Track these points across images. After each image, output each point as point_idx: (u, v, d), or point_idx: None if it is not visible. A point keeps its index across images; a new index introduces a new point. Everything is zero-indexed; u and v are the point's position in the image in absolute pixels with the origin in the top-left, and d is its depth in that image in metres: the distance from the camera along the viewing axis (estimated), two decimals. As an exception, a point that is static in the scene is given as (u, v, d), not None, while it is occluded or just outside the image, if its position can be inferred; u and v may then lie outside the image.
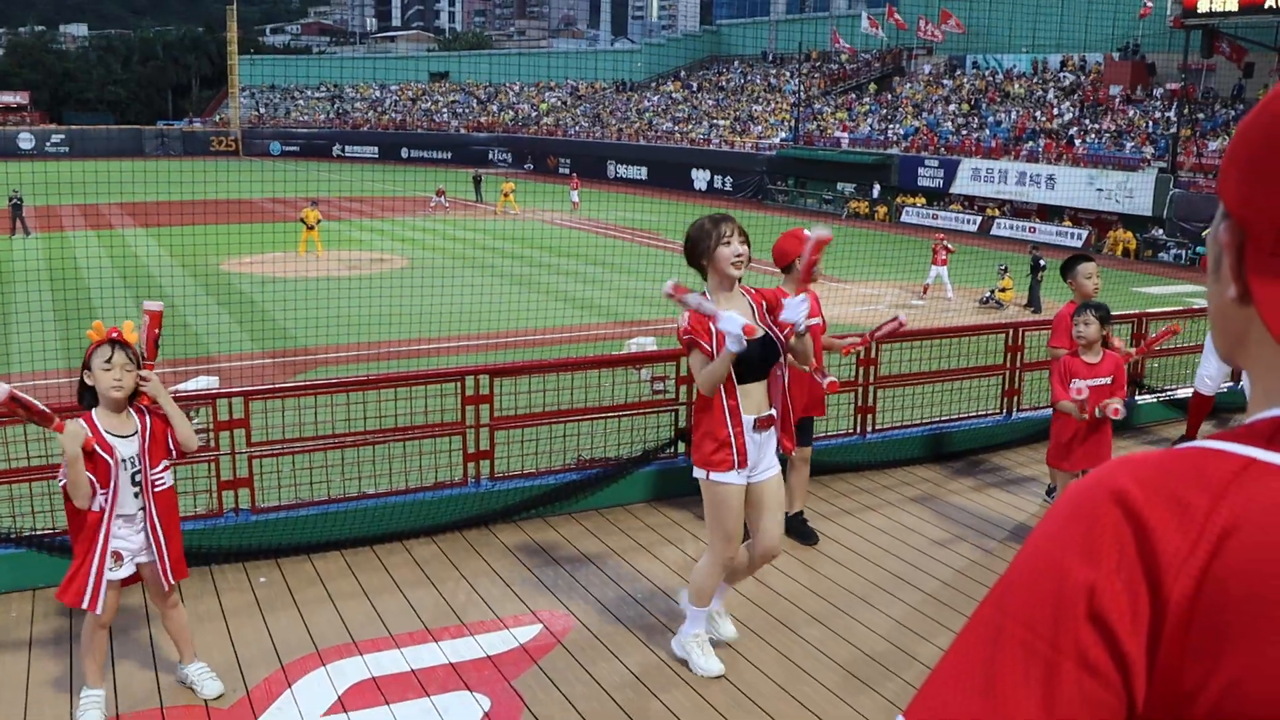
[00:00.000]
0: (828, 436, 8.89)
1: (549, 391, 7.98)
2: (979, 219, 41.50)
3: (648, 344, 13.19)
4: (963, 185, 43.48)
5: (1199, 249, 32.27)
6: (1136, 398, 10.34)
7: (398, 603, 6.27)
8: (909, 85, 57.74)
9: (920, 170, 45.76)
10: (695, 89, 73.43)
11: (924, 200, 45.01)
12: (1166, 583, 0.93)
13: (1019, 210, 41.10)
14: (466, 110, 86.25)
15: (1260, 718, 0.88)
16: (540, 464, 7.95)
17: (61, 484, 4.75)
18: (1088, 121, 43.95)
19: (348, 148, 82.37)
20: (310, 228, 29.59)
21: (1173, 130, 37.69)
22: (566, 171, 61.58)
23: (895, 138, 50.28)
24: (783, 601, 6.36)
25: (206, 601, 6.23)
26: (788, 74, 66.98)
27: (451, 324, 16.36)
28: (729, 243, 5.20)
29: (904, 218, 44.36)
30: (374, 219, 40.29)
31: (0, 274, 25.48)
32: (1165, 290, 27.11)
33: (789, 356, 5.45)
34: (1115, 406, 6.63)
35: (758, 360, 5.22)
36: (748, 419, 5.25)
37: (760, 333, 5.18)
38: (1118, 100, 44.72)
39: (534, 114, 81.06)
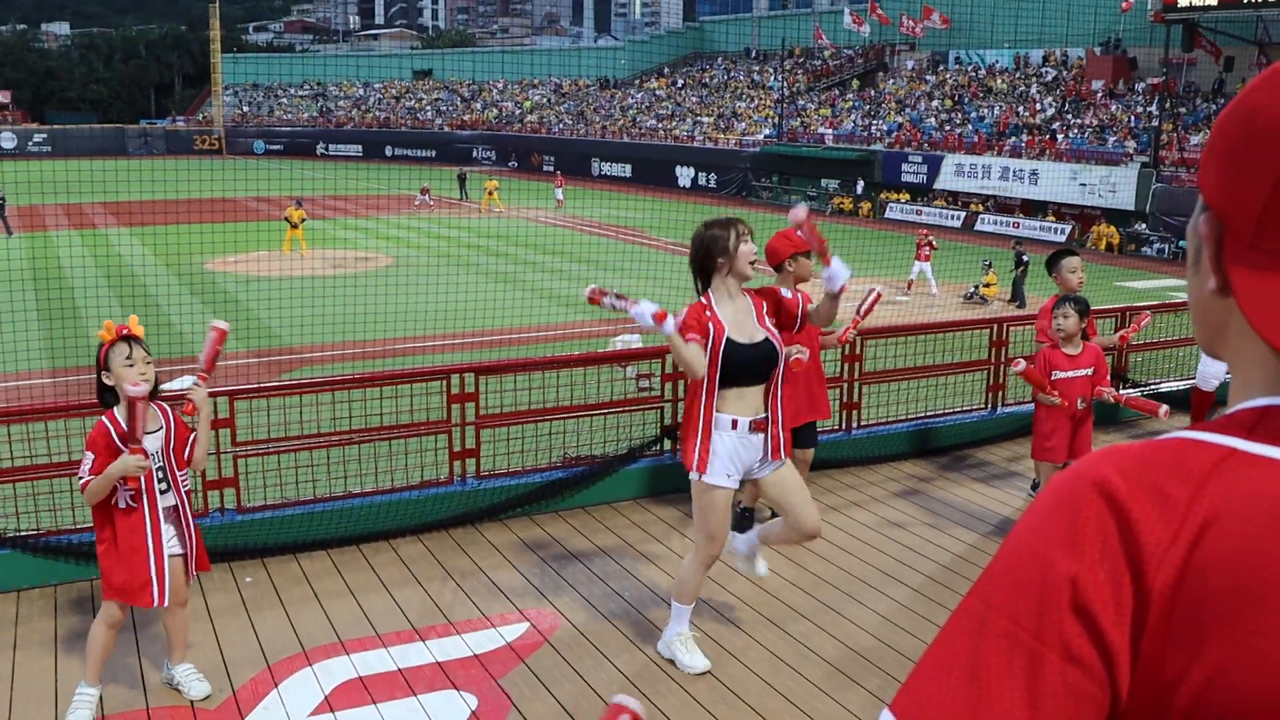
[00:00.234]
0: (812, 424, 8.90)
1: (534, 389, 7.98)
2: (963, 214, 41.57)
3: (633, 341, 13.19)
4: (946, 181, 43.55)
5: (1181, 243, 32.38)
6: (1121, 391, 10.37)
7: (384, 602, 6.27)
8: (892, 81, 57.79)
9: (904, 166, 45.81)
10: (680, 86, 73.42)
11: (908, 196, 45.07)
12: (1149, 573, 0.93)
13: (1002, 205, 41.18)
14: (450, 108, 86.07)
15: (1241, 706, 0.89)
16: (526, 462, 7.94)
17: (82, 482, 4.78)
18: (1070, 116, 44.06)
19: (332, 146, 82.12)
20: (294, 226, 29.49)
21: (1155, 125, 37.81)
22: (551, 169, 61.50)
23: (879, 134, 50.32)
24: (769, 597, 6.37)
25: (192, 602, 6.19)
26: (771, 70, 67.02)
27: (436, 322, 16.32)
28: (747, 240, 5.28)
29: (888, 214, 44.42)
30: (358, 218, 40.18)
31: (-18, 275, 25.33)
32: (1148, 285, 27.20)
33: (808, 316, 5.52)
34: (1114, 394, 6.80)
35: (761, 363, 5.24)
36: (742, 421, 5.26)
37: (760, 337, 5.21)
38: (1100, 95, 44.84)
39: (518, 112, 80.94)
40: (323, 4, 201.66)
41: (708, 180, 56.72)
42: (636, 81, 78.02)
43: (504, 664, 5.53)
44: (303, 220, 29.75)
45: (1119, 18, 46.34)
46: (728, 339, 5.16)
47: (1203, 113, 39.60)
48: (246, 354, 16.46)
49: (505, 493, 7.58)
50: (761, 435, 5.34)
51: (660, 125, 66.50)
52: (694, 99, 69.58)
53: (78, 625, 5.90)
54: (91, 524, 6.28)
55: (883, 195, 45.85)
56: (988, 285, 24.19)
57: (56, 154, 74.86)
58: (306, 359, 16.44)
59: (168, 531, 4.97)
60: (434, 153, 77.22)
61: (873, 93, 57.65)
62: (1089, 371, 7.02)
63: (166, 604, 4.95)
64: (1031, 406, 8.02)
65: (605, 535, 7.35)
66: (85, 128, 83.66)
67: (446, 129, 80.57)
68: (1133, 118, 41.40)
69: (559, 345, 16.97)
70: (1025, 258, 23.64)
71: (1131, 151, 38.22)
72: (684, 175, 58.40)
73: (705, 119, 64.38)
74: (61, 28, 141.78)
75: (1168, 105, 38.56)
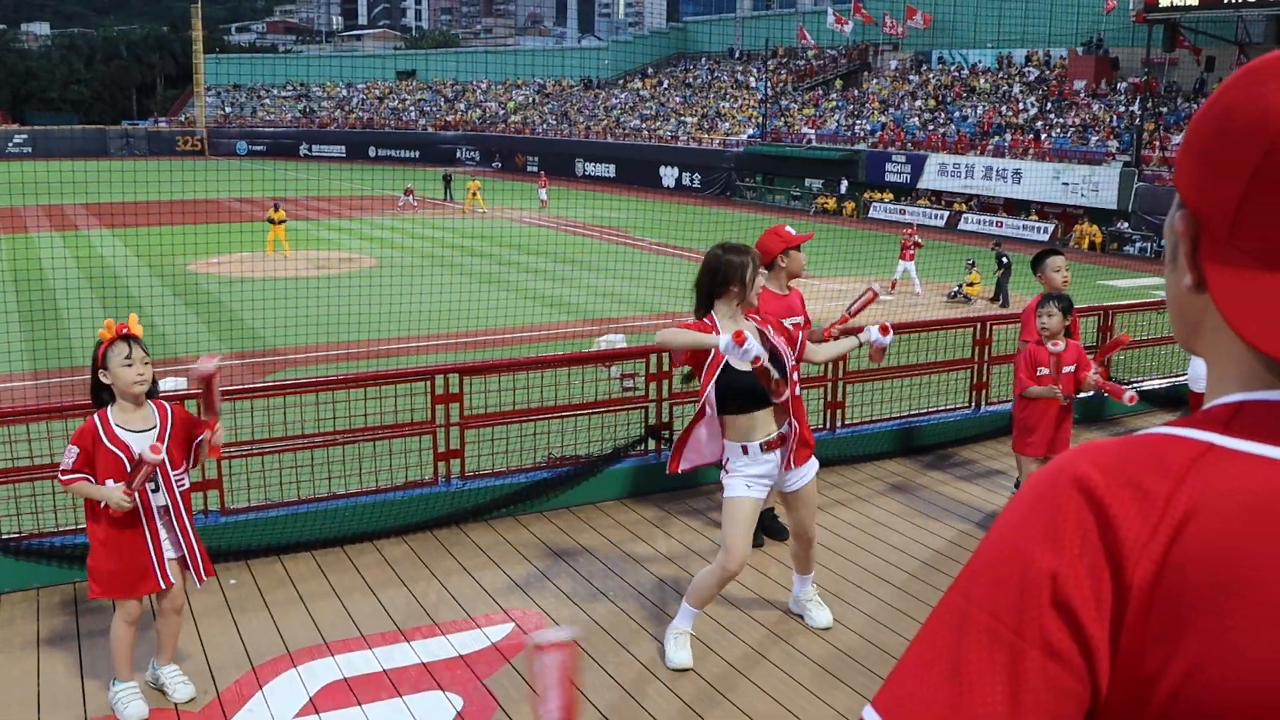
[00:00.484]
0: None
1: (519, 390, 7.97)
2: (946, 214, 41.68)
3: (617, 341, 13.19)
4: (930, 180, 43.66)
5: (1164, 242, 32.48)
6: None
7: (369, 603, 6.25)
8: (876, 81, 57.90)
9: (887, 166, 45.92)
10: (665, 86, 73.41)
11: (891, 196, 45.16)
12: (1128, 568, 0.94)
13: (986, 205, 41.29)
14: (434, 109, 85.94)
15: (1219, 701, 0.90)
16: (511, 462, 7.94)
17: (63, 475, 4.85)
18: (1053, 116, 44.21)
19: (315, 147, 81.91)
20: (277, 224, 29.41)
21: (1137, 124, 37.96)
22: (534, 169, 61.46)
23: (862, 133, 50.41)
24: (755, 597, 6.38)
25: (176, 604, 6.19)
26: (755, 70, 67.09)
27: (420, 323, 16.30)
28: (762, 272, 5.42)
29: (872, 213, 44.50)
30: (342, 218, 40.09)
31: (-37, 277, 25.19)
32: (1131, 283, 27.31)
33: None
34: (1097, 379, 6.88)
35: (764, 388, 5.26)
36: (753, 445, 5.34)
37: (766, 355, 5.24)
38: (1082, 95, 45.01)
39: (501, 112, 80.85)
40: (305, 4, 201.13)
41: (692, 180, 56.76)
42: (620, 82, 78.01)
43: (489, 664, 5.53)
44: (282, 220, 29.65)
45: (1101, 18, 46.50)
46: (726, 364, 5.19)
47: (1184, 112, 39.78)
48: (230, 355, 16.41)
49: (490, 493, 7.57)
50: (778, 451, 5.39)
51: (644, 125, 66.50)
52: (678, 99, 69.61)
53: (60, 628, 5.88)
54: (74, 527, 6.29)
55: (866, 195, 45.94)
56: (971, 284, 24.25)
57: (37, 155, 74.49)
58: (290, 360, 16.39)
59: (161, 533, 4.95)
60: (417, 153, 77.11)
61: (856, 92, 57.76)
62: (1072, 368, 7.08)
63: (172, 584, 4.96)
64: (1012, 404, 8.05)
65: (590, 535, 7.35)
66: (66, 128, 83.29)
67: (430, 129, 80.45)
68: (1115, 117, 41.56)
69: (543, 345, 16.96)
70: (1005, 259, 23.71)
71: (1114, 151, 38.37)
72: (668, 175, 58.44)
73: (689, 119, 64.40)
74: (42, 28, 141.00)
75: (1149, 105, 38.74)
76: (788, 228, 6.87)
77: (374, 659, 5.57)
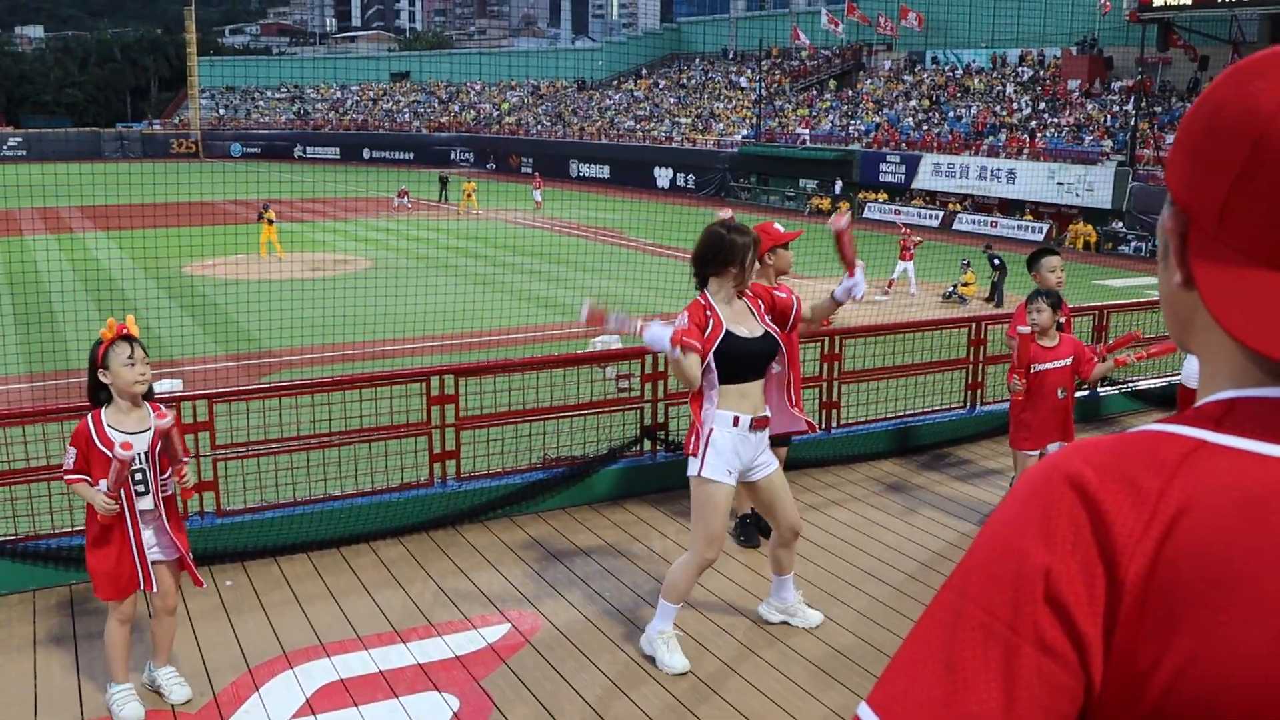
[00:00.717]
0: (793, 433, 8.90)
1: (514, 391, 7.97)
2: (941, 214, 41.71)
3: (612, 342, 13.17)
4: (924, 180, 43.69)
5: (1157, 241, 32.53)
6: (1100, 389, 10.45)
7: (365, 604, 6.25)
8: (869, 81, 57.95)
9: (882, 166, 45.95)
10: (659, 87, 73.41)
11: (886, 196, 45.19)
12: (1121, 564, 0.94)
13: (980, 205, 41.33)
14: (428, 110, 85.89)
15: (1212, 696, 0.90)
16: (506, 463, 7.93)
17: (66, 475, 4.88)
18: (1047, 116, 44.26)
19: (309, 149, 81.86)
20: (270, 223, 29.38)
21: (1131, 124, 38.02)
22: (529, 171, 61.44)
23: (857, 134, 50.45)
24: (749, 597, 6.38)
25: (172, 606, 6.19)
26: (749, 71, 67.11)
27: (416, 324, 16.30)
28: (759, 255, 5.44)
29: (866, 213, 44.49)
30: (336, 220, 40.06)
31: (-43, 280, 25.15)
32: (1126, 283, 27.34)
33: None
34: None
35: (761, 357, 5.28)
36: (744, 419, 5.30)
37: (760, 332, 5.25)
38: (1076, 95, 45.06)
39: (496, 113, 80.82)
40: (299, 6, 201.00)
41: (686, 181, 56.77)
42: (614, 83, 78.02)
43: (485, 665, 5.53)
44: (273, 222, 29.62)
45: (1095, 18, 46.58)
46: (728, 331, 5.19)
47: (1178, 112, 39.83)
48: (225, 358, 16.41)
49: (486, 494, 7.57)
50: (763, 433, 5.38)
51: (638, 126, 66.51)
52: (672, 100, 69.62)
53: (56, 630, 5.88)
54: (70, 529, 6.32)
55: (861, 195, 45.95)
56: (966, 285, 24.27)
57: (32, 158, 74.42)
58: (285, 362, 16.37)
59: (147, 537, 4.95)
60: (412, 155, 77.09)
61: (850, 93, 57.80)
62: (1067, 362, 7.10)
63: (155, 589, 4.96)
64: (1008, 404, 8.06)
65: (586, 536, 7.35)
66: (61, 131, 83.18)
67: (424, 131, 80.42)
68: (1109, 117, 41.62)
69: (538, 346, 16.95)
70: (997, 260, 23.73)
71: (1108, 151, 38.43)
72: (662, 176, 58.45)
73: (683, 120, 64.42)
74: (36, 31, 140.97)
75: (1143, 105, 38.78)
76: (776, 225, 6.87)
77: (370, 660, 5.57)
